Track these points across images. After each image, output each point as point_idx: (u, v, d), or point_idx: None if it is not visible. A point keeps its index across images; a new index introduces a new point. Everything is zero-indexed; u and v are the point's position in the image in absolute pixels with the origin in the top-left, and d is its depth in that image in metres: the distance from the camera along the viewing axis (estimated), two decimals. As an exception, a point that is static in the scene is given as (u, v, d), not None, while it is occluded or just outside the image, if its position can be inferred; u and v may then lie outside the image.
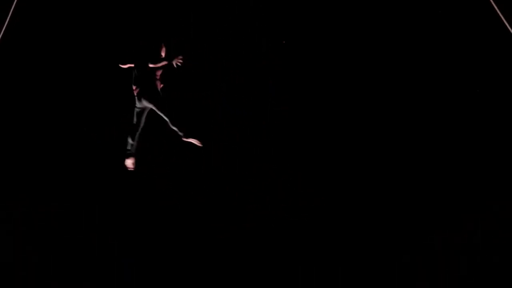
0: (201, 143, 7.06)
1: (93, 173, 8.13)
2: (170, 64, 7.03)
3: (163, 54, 7.14)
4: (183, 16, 8.35)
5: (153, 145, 8.22)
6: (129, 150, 7.21)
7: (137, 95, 7.05)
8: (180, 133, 6.95)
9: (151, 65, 7.01)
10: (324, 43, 8.34)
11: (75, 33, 8.34)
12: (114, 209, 8.00)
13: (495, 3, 6.73)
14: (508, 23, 6.72)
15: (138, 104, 7.07)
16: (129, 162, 7.25)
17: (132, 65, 7.14)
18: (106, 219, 7.95)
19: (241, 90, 8.35)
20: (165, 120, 6.95)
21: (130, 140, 7.18)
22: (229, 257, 7.80)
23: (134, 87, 7.08)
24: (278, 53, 8.32)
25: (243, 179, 8.13)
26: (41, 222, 7.90)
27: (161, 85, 7.15)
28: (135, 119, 7.11)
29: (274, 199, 8.05)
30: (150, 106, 7.03)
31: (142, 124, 7.17)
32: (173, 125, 6.98)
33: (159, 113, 7.00)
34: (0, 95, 8.16)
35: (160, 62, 7.05)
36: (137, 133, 7.18)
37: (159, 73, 7.12)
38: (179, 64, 7.04)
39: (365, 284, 7.66)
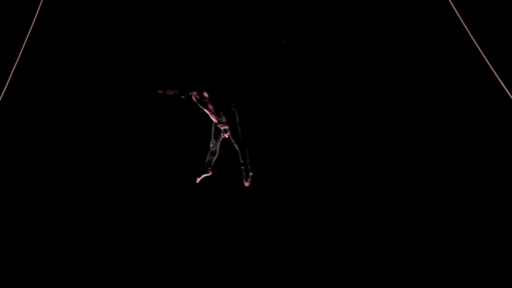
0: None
1: (93, 172, 8.14)
2: None
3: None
4: (182, 16, 8.34)
5: (153, 144, 8.24)
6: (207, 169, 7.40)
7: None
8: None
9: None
10: (324, 44, 8.33)
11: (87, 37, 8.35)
12: (114, 209, 8.02)
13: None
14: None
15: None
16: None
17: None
18: (106, 218, 7.97)
19: (240, 90, 8.34)
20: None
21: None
22: (229, 256, 7.82)
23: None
24: (278, 53, 8.32)
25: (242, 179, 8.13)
26: (41, 222, 7.91)
27: None
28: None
29: (274, 199, 8.06)
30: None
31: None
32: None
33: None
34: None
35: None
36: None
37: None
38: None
39: (365, 284, 7.69)
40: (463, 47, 7.70)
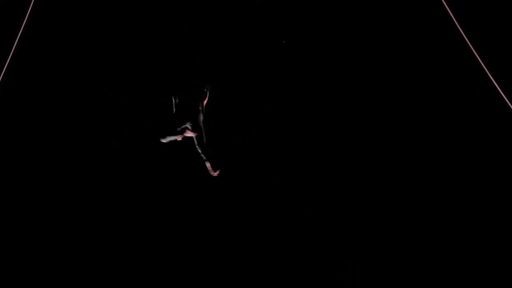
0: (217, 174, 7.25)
1: (93, 172, 8.13)
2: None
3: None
4: (182, 16, 8.35)
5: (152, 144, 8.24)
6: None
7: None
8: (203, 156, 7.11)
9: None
10: (323, 44, 8.34)
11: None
12: (114, 209, 8.02)
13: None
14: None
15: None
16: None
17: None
18: (106, 218, 7.97)
19: (240, 90, 8.35)
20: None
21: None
22: (229, 257, 7.82)
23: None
24: (278, 53, 8.33)
25: (242, 178, 8.13)
26: (41, 222, 7.91)
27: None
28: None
29: (274, 199, 8.06)
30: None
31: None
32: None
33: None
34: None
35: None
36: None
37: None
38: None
39: (365, 284, 7.69)
40: (461, 48, 7.72)
